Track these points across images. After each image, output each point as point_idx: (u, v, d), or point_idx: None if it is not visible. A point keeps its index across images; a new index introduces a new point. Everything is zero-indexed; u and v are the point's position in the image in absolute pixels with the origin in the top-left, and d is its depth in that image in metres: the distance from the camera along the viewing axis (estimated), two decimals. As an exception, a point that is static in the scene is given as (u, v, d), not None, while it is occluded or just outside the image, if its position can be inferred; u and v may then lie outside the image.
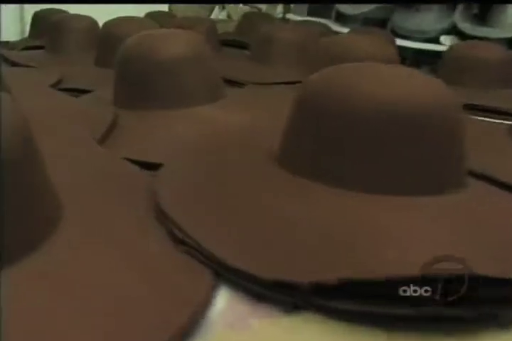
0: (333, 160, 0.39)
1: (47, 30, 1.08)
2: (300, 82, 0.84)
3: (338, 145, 0.39)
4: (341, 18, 1.64)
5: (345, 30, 1.53)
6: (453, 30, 1.43)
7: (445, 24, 1.42)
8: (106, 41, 0.89)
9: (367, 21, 1.60)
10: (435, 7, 1.47)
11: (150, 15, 1.37)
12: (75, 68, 0.89)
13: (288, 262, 0.31)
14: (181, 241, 0.35)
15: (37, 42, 1.17)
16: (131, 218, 0.37)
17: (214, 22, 1.26)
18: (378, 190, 0.37)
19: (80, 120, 0.54)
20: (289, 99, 0.70)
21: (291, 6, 1.75)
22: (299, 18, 1.56)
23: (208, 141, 0.51)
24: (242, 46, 1.29)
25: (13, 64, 0.97)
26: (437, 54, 1.41)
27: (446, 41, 1.43)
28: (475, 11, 1.44)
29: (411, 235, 0.33)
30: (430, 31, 1.44)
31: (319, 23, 1.49)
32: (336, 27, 1.53)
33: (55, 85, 0.79)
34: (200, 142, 0.51)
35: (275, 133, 0.53)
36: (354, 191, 0.38)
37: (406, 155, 0.37)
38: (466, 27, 1.35)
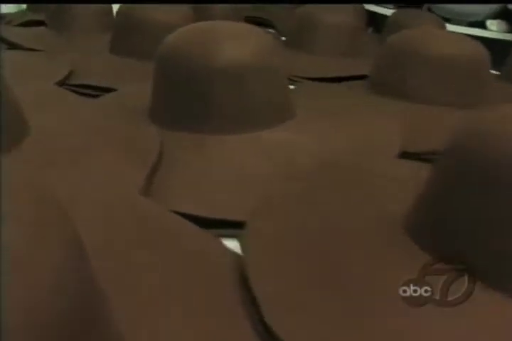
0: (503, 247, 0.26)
1: (51, 5, 0.92)
2: (364, 76, 0.72)
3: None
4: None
5: (379, 9, 1.38)
6: (501, 14, 1.28)
7: (495, 5, 1.27)
8: (125, 24, 0.74)
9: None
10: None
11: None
12: (87, 56, 0.75)
13: None
14: None
15: (36, 17, 1.01)
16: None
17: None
18: None
19: (115, 151, 0.40)
20: (363, 107, 0.57)
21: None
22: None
23: (293, 184, 0.38)
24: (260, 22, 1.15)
25: (12, 45, 0.82)
26: (481, 40, 1.28)
27: (493, 26, 1.29)
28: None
29: None
30: (477, 14, 1.29)
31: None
32: (369, 6, 1.38)
33: (66, 79, 0.65)
34: (283, 186, 0.37)
35: (373, 170, 0.40)
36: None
37: None
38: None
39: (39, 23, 0.97)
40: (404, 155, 0.47)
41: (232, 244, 0.33)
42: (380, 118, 0.50)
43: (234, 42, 0.44)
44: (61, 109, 0.49)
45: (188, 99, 0.44)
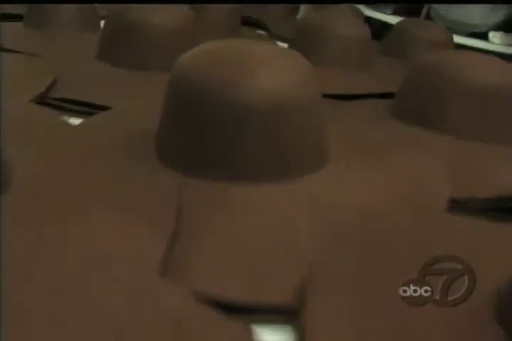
0: None
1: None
2: (389, 95, 0.65)
3: None
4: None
5: (376, 15, 1.32)
6: (505, 26, 1.22)
7: (499, 16, 1.22)
8: (116, 28, 0.65)
9: (400, 5, 1.38)
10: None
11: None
12: (72, 61, 0.66)
13: None
14: None
15: (11, 10, 0.90)
16: None
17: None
18: None
19: (122, 210, 0.32)
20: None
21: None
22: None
23: (340, 253, 0.31)
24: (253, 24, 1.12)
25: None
26: (482, 51, 1.22)
27: (496, 39, 1.23)
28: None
29: None
30: (481, 25, 1.23)
31: (348, 5, 1.28)
32: (368, 11, 1.31)
33: (48, 90, 0.56)
34: (329, 256, 0.30)
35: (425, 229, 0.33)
36: None
37: None
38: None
39: (15, 17, 0.87)
40: (455, 203, 0.41)
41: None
42: (422, 158, 0.43)
43: (271, 72, 0.35)
44: (46, 140, 0.40)
45: (212, 140, 0.36)
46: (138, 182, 0.35)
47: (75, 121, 0.52)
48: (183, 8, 0.67)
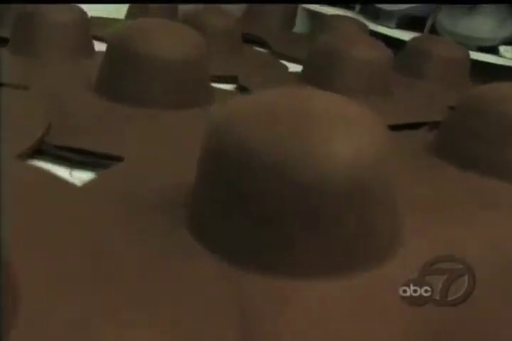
0: None
1: (16, 21, 0.74)
2: (422, 124, 0.59)
3: None
4: (371, 13, 1.36)
5: (381, 29, 1.26)
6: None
7: (509, 31, 1.16)
8: (118, 60, 0.57)
9: (403, 18, 1.32)
10: (495, 7, 1.20)
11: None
12: (67, 97, 0.58)
13: None
14: None
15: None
16: None
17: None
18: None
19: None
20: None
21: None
22: (329, 12, 1.28)
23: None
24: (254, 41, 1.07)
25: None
26: (492, 66, 1.16)
27: (508, 53, 1.18)
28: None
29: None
30: (490, 39, 1.18)
31: (352, 19, 1.22)
32: (372, 25, 1.25)
33: (43, 137, 0.48)
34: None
35: None
36: None
37: None
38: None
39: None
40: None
41: None
42: (498, 219, 0.37)
43: (346, 140, 0.27)
44: (47, 211, 0.32)
45: (270, 227, 0.28)
46: (181, 277, 0.27)
47: (79, 174, 0.44)
48: (194, 36, 0.59)
